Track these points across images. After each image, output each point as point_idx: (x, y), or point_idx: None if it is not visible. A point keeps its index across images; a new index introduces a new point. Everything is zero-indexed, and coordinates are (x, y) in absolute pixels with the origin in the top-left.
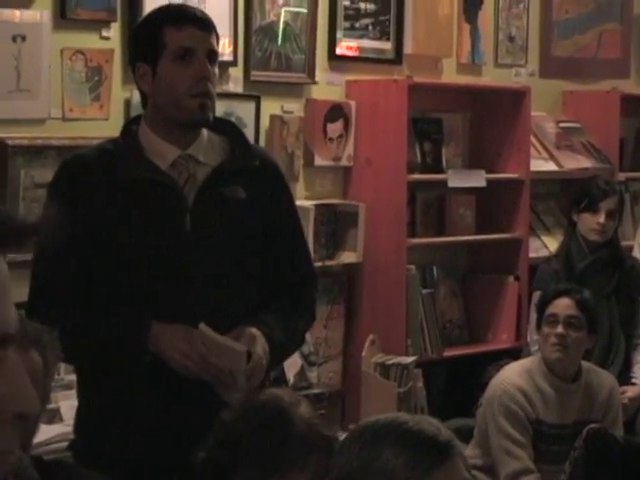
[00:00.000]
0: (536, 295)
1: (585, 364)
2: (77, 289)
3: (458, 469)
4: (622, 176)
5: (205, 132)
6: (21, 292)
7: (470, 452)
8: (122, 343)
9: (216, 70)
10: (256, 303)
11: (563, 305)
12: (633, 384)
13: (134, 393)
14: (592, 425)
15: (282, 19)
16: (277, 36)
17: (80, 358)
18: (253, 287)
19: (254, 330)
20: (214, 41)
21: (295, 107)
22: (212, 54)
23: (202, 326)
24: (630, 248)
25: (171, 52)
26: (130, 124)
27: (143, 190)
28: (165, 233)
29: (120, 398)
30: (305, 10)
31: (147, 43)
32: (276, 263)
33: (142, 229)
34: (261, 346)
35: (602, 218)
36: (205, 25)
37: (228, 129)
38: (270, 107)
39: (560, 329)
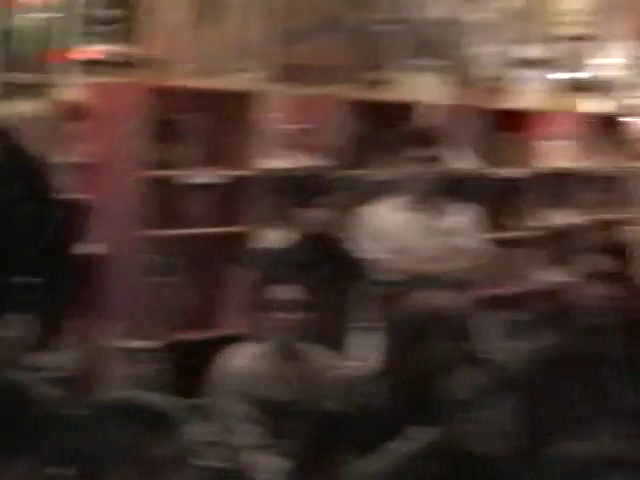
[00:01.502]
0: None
1: (303, 345)
2: None
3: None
4: (343, 173)
5: None
6: None
7: (204, 430)
8: None
9: None
10: None
11: (280, 291)
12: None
13: None
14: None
15: None
16: None
17: None
18: None
19: None
20: None
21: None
22: None
23: None
24: (344, 240)
25: None
26: None
27: None
28: None
29: None
30: None
31: None
32: None
33: None
34: None
35: (320, 212)
36: None
37: None
38: None
39: (281, 313)
